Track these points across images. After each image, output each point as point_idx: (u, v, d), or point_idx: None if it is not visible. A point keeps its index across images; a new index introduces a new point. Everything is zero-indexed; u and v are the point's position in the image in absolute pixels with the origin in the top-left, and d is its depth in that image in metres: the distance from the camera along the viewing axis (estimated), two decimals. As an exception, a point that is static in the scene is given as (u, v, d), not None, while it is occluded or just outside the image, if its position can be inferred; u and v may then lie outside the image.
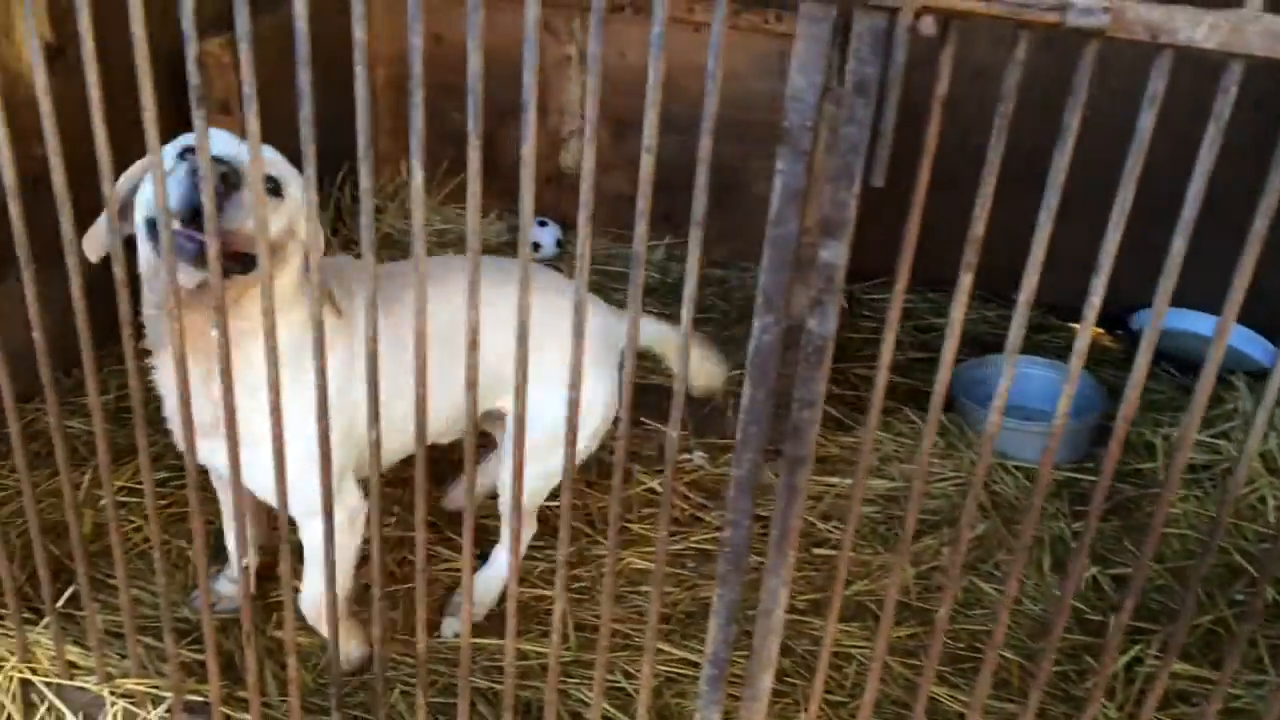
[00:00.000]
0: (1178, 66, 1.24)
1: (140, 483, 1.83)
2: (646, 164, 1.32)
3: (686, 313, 1.43)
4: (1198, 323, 3.64)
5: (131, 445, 1.96)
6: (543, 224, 4.00)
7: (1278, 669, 1.74)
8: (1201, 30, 1.20)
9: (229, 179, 1.66)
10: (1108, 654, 1.61)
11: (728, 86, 1.26)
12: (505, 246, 4.00)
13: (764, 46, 3.75)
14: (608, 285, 3.91)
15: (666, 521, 1.51)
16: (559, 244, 4.01)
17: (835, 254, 1.33)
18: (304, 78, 1.38)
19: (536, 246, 3.96)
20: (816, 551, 2.69)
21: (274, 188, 1.83)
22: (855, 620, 2.47)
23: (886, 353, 1.35)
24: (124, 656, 2.07)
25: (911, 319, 3.74)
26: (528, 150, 1.36)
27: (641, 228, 1.39)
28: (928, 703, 2.23)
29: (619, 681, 2.25)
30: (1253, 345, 3.61)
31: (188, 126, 1.49)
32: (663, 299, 3.89)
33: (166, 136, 1.55)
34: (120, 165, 1.57)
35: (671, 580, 2.57)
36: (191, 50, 1.41)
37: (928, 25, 1.23)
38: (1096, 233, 1.30)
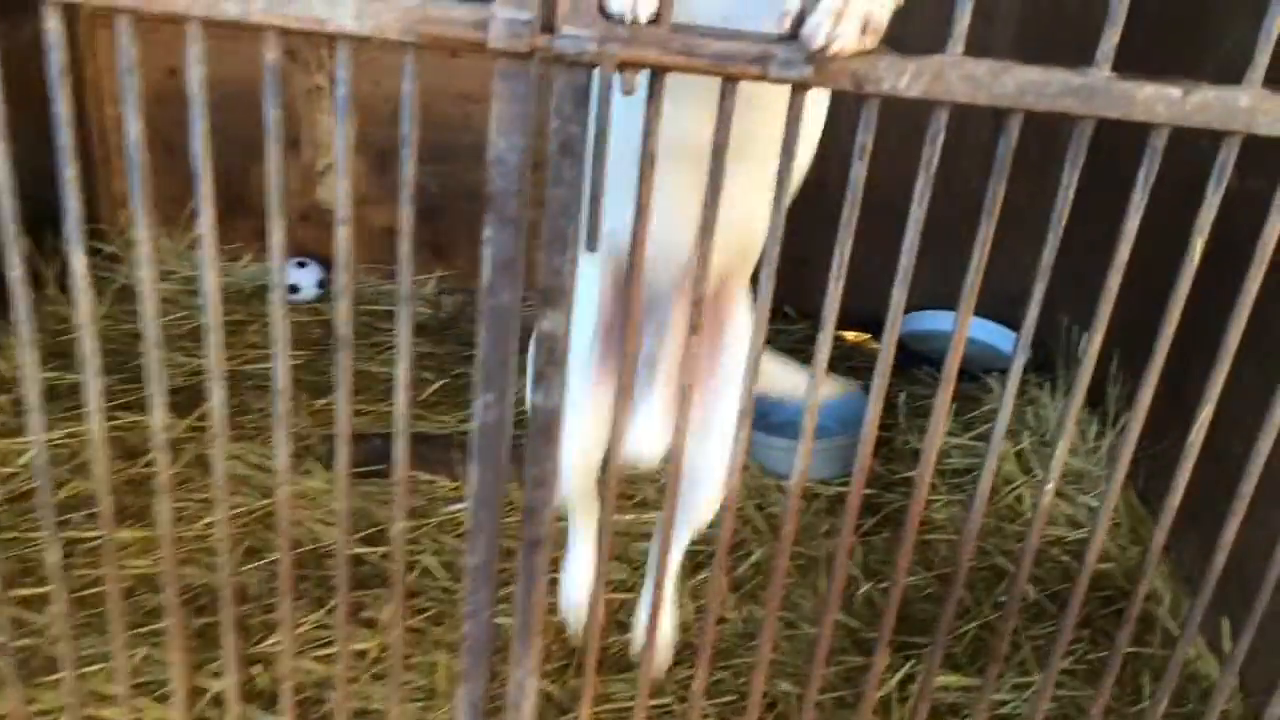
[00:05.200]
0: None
1: None
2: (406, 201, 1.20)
3: (403, 344, 1.32)
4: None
5: None
6: (302, 264, 3.77)
7: (1042, 669, 1.78)
8: (905, 79, 1.19)
9: None
10: (874, 670, 1.58)
11: (483, 113, 1.16)
12: (260, 290, 3.75)
13: (522, 71, 3.66)
14: (376, 324, 3.72)
15: (399, 598, 1.39)
16: (321, 284, 3.80)
17: (557, 325, 1.24)
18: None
19: (295, 289, 3.73)
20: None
21: None
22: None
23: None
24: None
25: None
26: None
27: (406, 272, 1.27)
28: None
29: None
30: (1012, 345, 3.77)
31: None
32: (434, 335, 3.74)
33: None
34: None
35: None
36: None
37: (631, 82, 1.16)
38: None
